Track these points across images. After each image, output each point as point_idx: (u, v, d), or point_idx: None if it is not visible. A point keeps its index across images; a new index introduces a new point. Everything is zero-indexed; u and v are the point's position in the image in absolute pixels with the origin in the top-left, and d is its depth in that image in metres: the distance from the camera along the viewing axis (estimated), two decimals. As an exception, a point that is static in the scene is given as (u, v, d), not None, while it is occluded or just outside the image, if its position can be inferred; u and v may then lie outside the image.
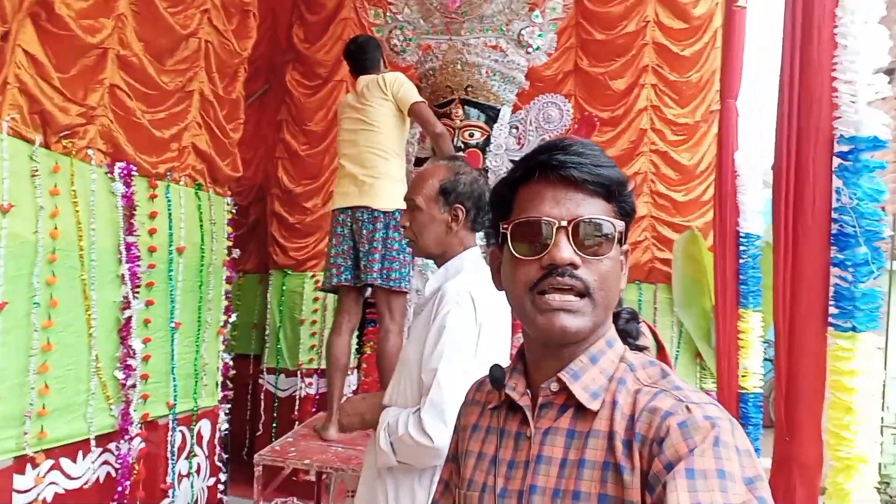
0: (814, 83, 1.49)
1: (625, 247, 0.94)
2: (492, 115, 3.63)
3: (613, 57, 5.34)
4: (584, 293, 0.88)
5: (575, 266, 0.87)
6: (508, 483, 0.93)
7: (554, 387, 0.92)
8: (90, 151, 3.01)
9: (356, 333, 4.15)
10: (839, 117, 1.45)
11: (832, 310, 1.47)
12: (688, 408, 0.81)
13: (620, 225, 0.92)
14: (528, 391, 0.97)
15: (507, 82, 3.62)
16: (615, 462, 0.83)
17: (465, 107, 3.57)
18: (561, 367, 0.92)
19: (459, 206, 1.81)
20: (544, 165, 0.91)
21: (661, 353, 2.52)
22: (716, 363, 2.76)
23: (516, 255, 0.91)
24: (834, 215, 1.46)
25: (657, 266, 5.20)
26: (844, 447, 1.43)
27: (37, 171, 2.71)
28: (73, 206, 2.92)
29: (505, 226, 0.94)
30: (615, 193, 0.92)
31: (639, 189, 5.28)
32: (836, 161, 1.47)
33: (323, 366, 4.59)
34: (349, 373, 5.33)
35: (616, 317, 2.37)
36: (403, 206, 3.02)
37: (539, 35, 3.57)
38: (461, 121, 3.56)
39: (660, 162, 5.27)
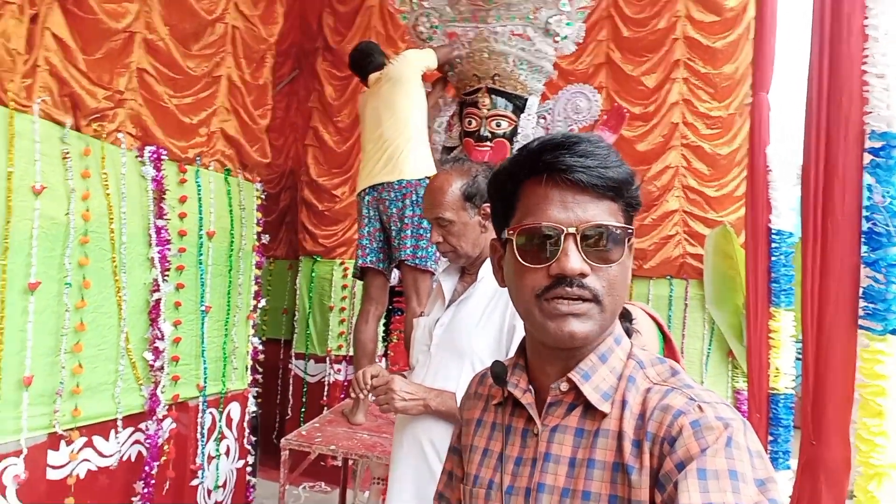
0: (843, 76, 1.43)
1: (631, 241, 0.91)
2: (519, 105, 3.59)
3: (645, 53, 5.26)
4: (592, 299, 0.86)
5: (584, 275, 0.85)
6: (515, 480, 0.92)
7: (564, 387, 0.91)
8: (120, 135, 3.07)
9: (383, 322, 4.18)
10: (870, 112, 1.39)
11: (864, 311, 1.42)
12: (700, 407, 0.80)
13: (630, 228, 0.89)
14: (531, 388, 0.96)
15: (534, 71, 3.57)
16: (623, 462, 0.82)
17: (493, 96, 3.54)
18: (568, 366, 0.91)
19: (487, 205, 1.81)
20: (550, 167, 0.87)
21: (667, 345, 2.48)
22: (746, 362, 2.70)
23: (522, 262, 0.89)
24: (865, 213, 1.40)
25: (689, 261, 5.12)
26: (876, 453, 1.38)
27: (68, 153, 2.77)
28: (104, 189, 2.98)
29: (510, 231, 0.92)
30: (623, 192, 0.89)
31: (670, 184, 5.19)
32: (868, 157, 1.41)
33: (352, 353, 4.64)
34: (377, 360, 5.39)
35: (623, 317, 2.34)
36: (429, 174, 3.04)
37: (567, 24, 3.51)
38: (488, 110, 3.52)
39: (692, 156, 5.17)
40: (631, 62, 5.30)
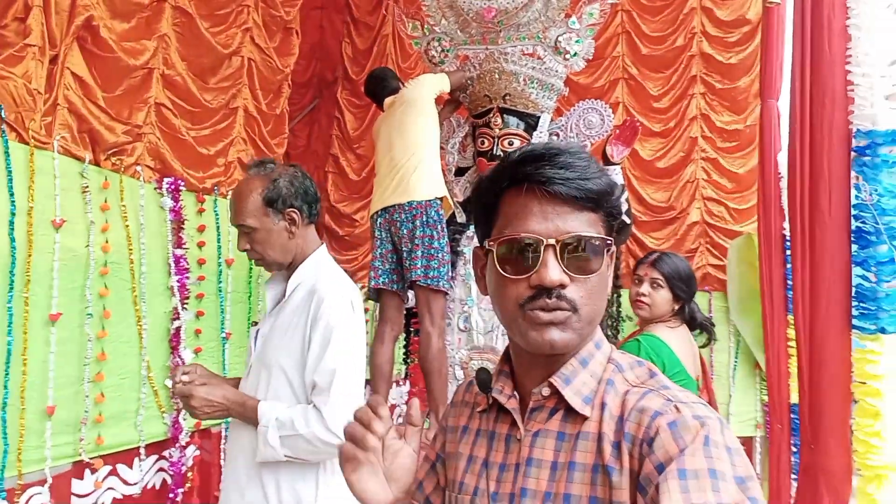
0: (826, 77, 1.41)
1: (612, 250, 0.92)
2: (531, 123, 3.58)
3: (662, 69, 5.25)
4: (572, 309, 0.87)
5: (563, 286, 0.86)
6: (500, 486, 0.92)
7: (545, 392, 0.92)
8: (138, 168, 3.16)
9: (402, 344, 4.18)
10: (854, 111, 1.37)
11: (855, 311, 1.39)
12: (677, 407, 0.81)
13: (609, 238, 0.90)
14: (516, 394, 0.96)
15: (545, 89, 3.58)
16: (603, 464, 0.83)
17: (504, 115, 3.54)
18: (550, 371, 0.92)
19: (292, 209, 1.83)
20: (531, 178, 0.88)
21: (703, 374, 2.44)
22: (766, 372, 2.64)
23: (503, 273, 0.90)
24: (853, 212, 1.38)
25: (711, 272, 5.03)
26: (873, 455, 1.34)
27: (87, 187, 2.86)
28: (123, 221, 3.06)
29: (491, 242, 0.93)
30: (603, 203, 0.90)
31: (691, 196, 5.13)
32: (854, 156, 1.38)
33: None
34: (399, 384, 5.37)
35: (694, 312, 2.34)
36: (440, 194, 3.07)
37: (576, 41, 3.52)
38: (500, 129, 3.53)
39: (712, 169, 5.12)
40: (648, 78, 5.29)
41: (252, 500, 1.76)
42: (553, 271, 0.85)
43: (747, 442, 4.81)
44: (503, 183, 0.92)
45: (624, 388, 0.88)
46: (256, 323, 1.92)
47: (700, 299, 4.97)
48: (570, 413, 0.89)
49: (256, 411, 1.73)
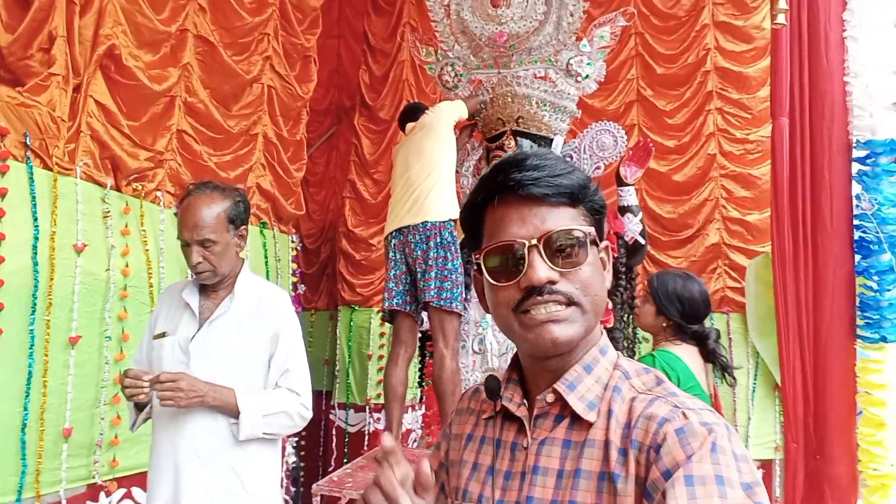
0: (825, 88, 1.41)
1: (603, 244, 0.93)
2: (544, 146, 3.60)
3: (676, 87, 5.26)
4: (570, 302, 0.87)
5: (553, 282, 0.86)
6: (505, 494, 0.92)
7: (550, 398, 0.91)
8: (159, 193, 3.22)
9: (417, 366, 4.17)
10: (853, 122, 1.36)
11: (859, 321, 1.37)
12: (684, 414, 0.81)
13: (591, 229, 0.90)
14: (525, 402, 0.96)
15: (558, 112, 3.59)
16: (609, 471, 0.82)
17: (517, 138, 3.55)
18: (555, 377, 0.91)
19: (244, 227, 2.05)
20: (503, 187, 0.90)
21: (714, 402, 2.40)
22: (781, 391, 2.59)
23: (493, 282, 0.91)
24: (855, 222, 1.37)
25: (729, 295, 4.97)
26: (877, 464, 1.31)
27: (108, 212, 2.92)
28: (143, 245, 3.11)
29: (477, 256, 0.94)
30: (580, 198, 0.91)
31: (710, 216, 5.09)
32: (855, 166, 1.37)
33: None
34: (416, 408, 5.35)
35: (708, 335, 2.31)
36: (454, 216, 3.12)
37: (588, 64, 3.54)
38: (514, 152, 3.56)
39: (732, 185, 5.07)
40: (663, 97, 5.30)
41: (220, 476, 1.95)
42: (540, 270, 0.86)
43: (767, 465, 4.71)
44: (481, 200, 0.94)
45: (631, 395, 0.88)
46: (164, 334, 2.02)
47: (718, 321, 4.95)
48: (576, 420, 0.89)
49: (234, 396, 1.93)
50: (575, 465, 0.86)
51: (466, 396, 1.12)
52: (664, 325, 2.37)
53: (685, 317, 2.32)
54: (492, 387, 0.99)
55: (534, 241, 0.87)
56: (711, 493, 0.73)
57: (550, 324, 0.86)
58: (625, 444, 0.83)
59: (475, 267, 0.97)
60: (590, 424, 0.87)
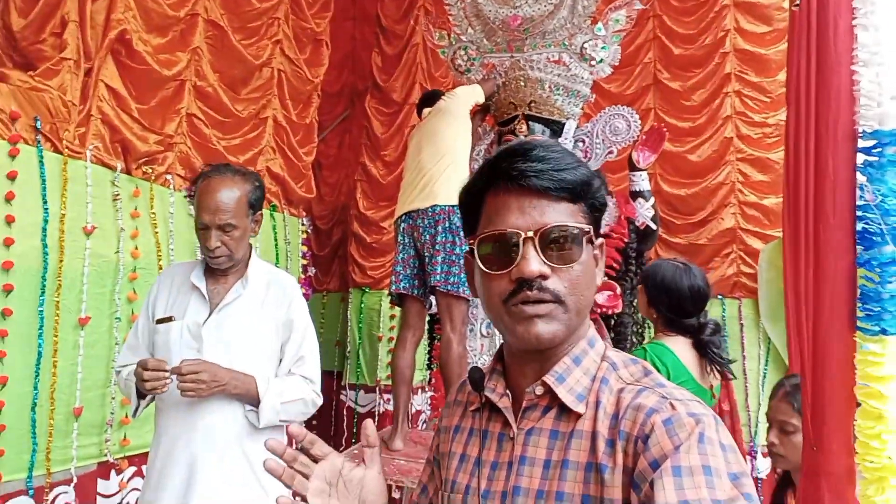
0: (832, 75, 1.37)
1: (598, 241, 0.92)
2: (556, 130, 3.55)
3: (693, 69, 5.16)
4: (556, 300, 0.87)
5: (545, 276, 0.86)
6: (492, 484, 0.92)
7: (539, 390, 0.91)
8: (168, 176, 3.23)
9: (426, 350, 4.19)
10: (859, 111, 1.33)
11: (860, 312, 1.35)
12: (672, 405, 0.81)
13: (588, 227, 0.89)
14: (508, 392, 0.96)
15: (571, 96, 3.55)
16: (597, 462, 0.83)
17: (530, 122, 3.52)
18: (543, 369, 0.91)
19: (260, 213, 2.02)
20: (506, 175, 0.89)
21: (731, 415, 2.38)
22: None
23: (485, 269, 0.90)
24: (858, 213, 1.34)
25: (742, 280, 4.91)
26: (874, 457, 1.29)
27: (118, 195, 2.94)
28: (153, 228, 3.13)
29: (471, 240, 0.93)
30: (582, 194, 0.90)
31: (725, 199, 5.02)
32: (860, 157, 1.34)
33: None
34: (426, 389, 5.38)
35: (702, 328, 2.27)
36: None
37: (602, 47, 3.48)
38: (525, 136, 3.51)
39: (749, 169, 4.99)
40: (679, 78, 5.21)
41: (234, 464, 1.93)
42: (533, 263, 0.85)
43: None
44: (482, 184, 0.93)
45: (618, 386, 0.88)
46: (171, 318, 1.97)
47: (729, 306, 4.90)
48: (564, 411, 0.89)
49: (255, 384, 1.92)
50: (562, 455, 0.86)
51: (455, 390, 1.13)
52: (654, 315, 2.34)
53: (672, 310, 2.28)
54: (475, 378, 0.99)
55: (530, 234, 0.86)
56: (699, 484, 0.73)
57: (535, 319, 0.86)
58: (612, 435, 0.83)
59: (467, 249, 0.97)
60: (578, 415, 0.87)
